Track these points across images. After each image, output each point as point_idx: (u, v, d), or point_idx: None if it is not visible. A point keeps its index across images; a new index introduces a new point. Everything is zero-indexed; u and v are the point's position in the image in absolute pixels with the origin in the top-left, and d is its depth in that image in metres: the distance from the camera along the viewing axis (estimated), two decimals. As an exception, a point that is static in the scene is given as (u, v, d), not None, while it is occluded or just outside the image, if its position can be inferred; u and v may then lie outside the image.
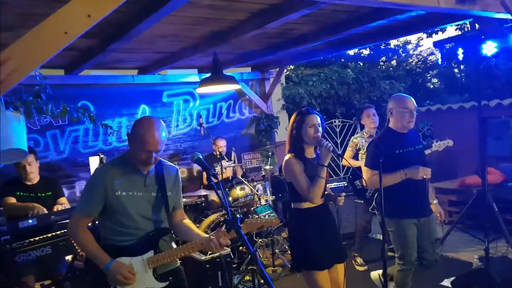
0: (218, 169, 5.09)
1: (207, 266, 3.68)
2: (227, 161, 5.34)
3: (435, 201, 3.20)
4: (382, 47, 12.44)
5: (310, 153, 2.61)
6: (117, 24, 3.05)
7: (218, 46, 3.93)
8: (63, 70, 4.98)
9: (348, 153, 4.55)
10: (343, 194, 2.64)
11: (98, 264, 1.96)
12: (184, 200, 4.98)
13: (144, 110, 5.54)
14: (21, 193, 3.36)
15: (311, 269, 2.53)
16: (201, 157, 2.08)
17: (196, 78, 5.80)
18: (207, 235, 2.08)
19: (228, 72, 6.10)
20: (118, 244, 2.02)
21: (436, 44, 4.18)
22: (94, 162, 3.37)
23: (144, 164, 2.04)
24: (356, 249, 4.52)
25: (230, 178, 5.10)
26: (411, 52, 13.66)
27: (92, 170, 3.26)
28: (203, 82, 3.96)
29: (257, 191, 5.11)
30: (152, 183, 2.10)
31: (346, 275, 2.64)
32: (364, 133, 4.49)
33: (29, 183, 3.42)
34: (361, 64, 9.58)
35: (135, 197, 2.04)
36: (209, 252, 3.81)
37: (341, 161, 7.25)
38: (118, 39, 3.19)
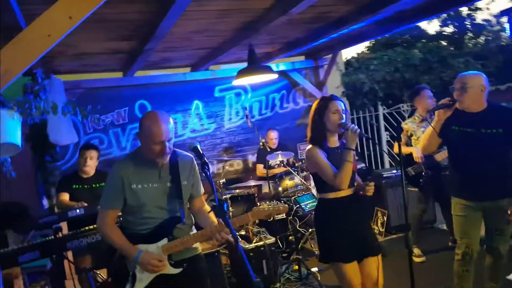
0: (272, 162, 5.12)
1: (251, 254, 3.73)
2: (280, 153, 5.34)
3: None
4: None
5: (333, 142, 2.50)
6: (150, 23, 3.19)
7: (254, 37, 3.91)
8: (121, 72, 5.35)
9: (402, 139, 4.25)
10: (372, 183, 2.49)
11: (128, 256, 2.08)
12: (237, 191, 5.21)
13: (197, 105, 5.74)
14: (77, 186, 3.71)
15: (337, 261, 2.43)
16: (197, 145, 2.12)
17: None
18: (217, 224, 2.11)
19: (277, 62, 6.09)
20: (137, 232, 2.13)
21: (505, 12, 3.67)
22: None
23: (160, 156, 2.08)
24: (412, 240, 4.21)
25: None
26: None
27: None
28: (239, 74, 3.99)
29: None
30: (166, 174, 2.17)
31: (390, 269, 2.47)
32: (416, 117, 4.14)
33: (85, 176, 3.77)
34: (433, 44, 8.79)
35: (151, 189, 2.12)
36: (254, 240, 3.86)
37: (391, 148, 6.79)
38: (150, 39, 3.34)
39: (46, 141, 4.43)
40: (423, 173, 4.01)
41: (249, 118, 5.01)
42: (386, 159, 7.78)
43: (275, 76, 4.31)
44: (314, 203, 4.16)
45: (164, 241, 2.10)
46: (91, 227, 3.05)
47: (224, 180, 5.10)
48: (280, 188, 4.85)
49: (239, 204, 4.86)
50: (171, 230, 2.13)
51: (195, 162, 2.31)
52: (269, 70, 4.01)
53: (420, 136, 4.02)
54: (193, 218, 2.31)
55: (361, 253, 2.44)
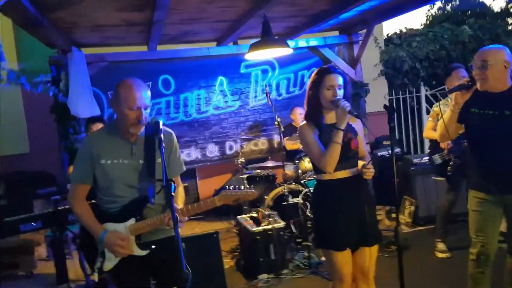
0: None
1: (258, 238, 3.61)
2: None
3: None
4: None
5: (331, 118, 2.24)
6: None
7: (272, 9, 3.67)
8: (146, 46, 5.29)
9: (429, 124, 3.90)
10: (371, 166, 2.22)
11: (93, 235, 2.00)
12: (257, 171, 5.06)
13: (221, 81, 5.59)
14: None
15: (328, 248, 2.24)
16: (159, 121, 1.99)
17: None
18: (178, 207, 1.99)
19: (307, 37, 5.76)
20: (106, 210, 2.05)
21: None
22: None
23: (135, 125, 1.98)
24: (438, 234, 3.87)
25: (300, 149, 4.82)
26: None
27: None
28: (252, 47, 3.76)
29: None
30: (140, 150, 2.06)
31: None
32: (448, 99, 3.72)
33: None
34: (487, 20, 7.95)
35: (120, 165, 2.02)
36: (262, 224, 3.72)
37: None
38: (155, 8, 3.20)
39: (68, 113, 4.50)
40: (451, 162, 3.63)
41: (269, 96, 4.77)
42: (427, 144, 7.27)
43: (290, 51, 4.05)
44: None
45: (132, 221, 2.00)
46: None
47: (242, 159, 4.97)
48: (299, 170, 4.63)
49: (257, 185, 4.72)
50: (141, 210, 2.02)
51: (175, 138, 2.18)
52: (284, 44, 3.75)
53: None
54: None
55: (356, 241, 2.24)
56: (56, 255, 3.23)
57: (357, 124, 2.31)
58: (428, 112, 7.15)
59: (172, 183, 1.84)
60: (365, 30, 5.58)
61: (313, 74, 2.28)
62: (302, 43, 5.65)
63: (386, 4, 4.40)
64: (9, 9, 2.77)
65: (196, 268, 2.92)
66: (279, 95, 5.87)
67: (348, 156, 2.20)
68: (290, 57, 5.84)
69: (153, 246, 2.03)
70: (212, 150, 5.67)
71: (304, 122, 2.28)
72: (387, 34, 7.26)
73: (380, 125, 5.09)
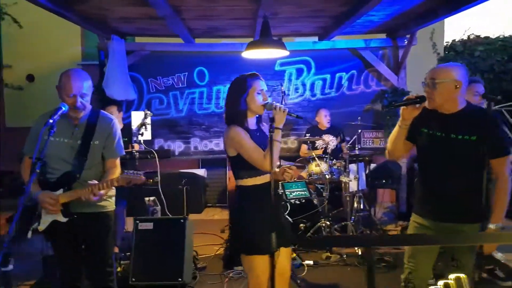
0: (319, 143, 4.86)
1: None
2: (329, 136, 5.00)
3: (493, 226, 2.07)
4: None
5: (251, 124, 2.27)
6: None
7: (279, 9, 3.66)
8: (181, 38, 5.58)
9: None
10: (294, 166, 2.27)
11: (33, 195, 2.25)
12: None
13: (254, 77, 5.67)
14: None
15: (251, 253, 2.24)
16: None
17: (311, 46, 5.53)
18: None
19: (347, 39, 5.55)
20: (46, 179, 2.32)
21: None
22: (137, 117, 3.78)
23: (73, 110, 2.22)
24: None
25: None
26: None
27: (134, 125, 3.70)
28: (249, 46, 3.79)
29: (347, 170, 4.54)
30: (80, 132, 2.30)
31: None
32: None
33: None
34: None
35: (61, 143, 2.28)
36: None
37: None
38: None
39: (104, 95, 5.00)
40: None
41: (285, 96, 4.72)
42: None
43: (286, 53, 3.99)
44: (303, 193, 3.82)
45: (61, 191, 2.24)
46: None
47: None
48: (306, 172, 4.57)
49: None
50: (70, 183, 2.25)
51: (115, 124, 2.37)
52: (281, 45, 3.72)
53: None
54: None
55: (277, 243, 2.20)
56: None
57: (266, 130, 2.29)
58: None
59: (39, 161, 2.03)
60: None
61: (234, 81, 2.29)
62: (338, 44, 5.50)
63: (420, 6, 4.09)
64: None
65: (154, 251, 3.16)
66: (313, 95, 5.78)
67: None
68: (329, 57, 5.72)
69: (75, 216, 2.25)
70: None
71: (233, 125, 2.24)
72: (453, 40, 6.63)
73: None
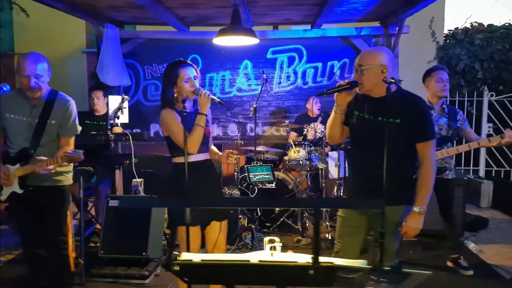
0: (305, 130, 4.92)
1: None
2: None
3: (417, 208, 2.10)
4: None
5: (188, 107, 2.40)
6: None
7: None
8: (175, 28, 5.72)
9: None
10: (236, 151, 2.43)
11: None
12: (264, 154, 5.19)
13: (246, 65, 5.78)
14: (88, 121, 4.34)
15: (181, 224, 2.40)
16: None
17: (302, 35, 5.56)
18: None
19: (341, 27, 5.54)
20: (7, 155, 2.54)
21: None
22: (114, 101, 3.94)
23: (28, 90, 2.42)
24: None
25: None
26: None
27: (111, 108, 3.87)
28: (219, 33, 3.88)
29: (323, 157, 4.59)
30: (38, 111, 2.50)
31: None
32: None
33: (97, 114, 4.37)
34: None
35: (20, 121, 2.49)
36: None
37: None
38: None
39: (99, 80, 5.23)
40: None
41: (268, 84, 4.79)
42: (482, 155, 6.39)
43: (256, 40, 4.05)
44: (266, 176, 3.92)
45: (18, 165, 2.46)
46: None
47: (242, 142, 5.13)
48: (286, 158, 4.67)
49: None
50: (27, 158, 2.46)
51: (71, 105, 2.56)
52: (250, 33, 3.80)
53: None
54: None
55: (207, 218, 2.40)
56: None
57: (208, 113, 2.40)
58: (489, 120, 6.27)
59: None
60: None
61: (167, 68, 2.39)
62: (331, 32, 5.50)
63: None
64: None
65: (122, 226, 3.36)
66: (305, 83, 5.82)
67: (202, 142, 2.33)
68: (321, 45, 5.73)
69: (30, 188, 2.47)
70: (234, 130, 5.94)
71: (166, 108, 2.37)
72: (455, 28, 6.47)
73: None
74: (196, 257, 1.20)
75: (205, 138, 2.35)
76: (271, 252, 1.31)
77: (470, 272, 3.30)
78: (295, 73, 5.79)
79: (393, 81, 2.00)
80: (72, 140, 2.62)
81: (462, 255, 3.48)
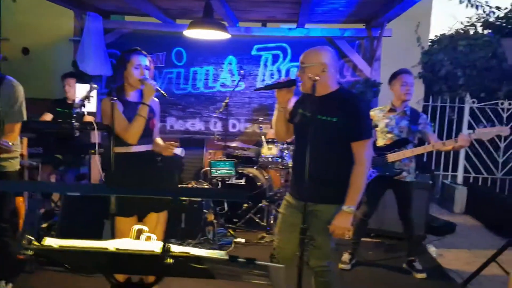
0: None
1: (172, 204, 3.89)
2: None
3: (346, 207, 2.14)
4: None
5: (133, 97, 2.44)
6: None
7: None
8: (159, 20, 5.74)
9: None
10: (176, 143, 2.48)
11: None
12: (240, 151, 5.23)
13: (230, 60, 5.81)
14: (60, 109, 4.36)
15: (117, 215, 2.42)
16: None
17: (287, 33, 5.59)
18: None
19: (324, 27, 5.56)
20: None
21: None
22: (82, 89, 3.95)
23: None
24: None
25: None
26: None
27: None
28: (190, 25, 3.90)
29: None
30: None
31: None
32: (387, 105, 3.42)
33: (69, 102, 4.40)
34: None
35: None
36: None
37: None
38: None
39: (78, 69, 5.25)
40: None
41: (244, 79, 4.84)
42: (461, 161, 6.44)
43: (227, 36, 4.07)
44: (228, 172, 3.97)
45: None
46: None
47: (218, 137, 5.18)
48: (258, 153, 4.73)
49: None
50: None
51: (17, 91, 2.59)
52: (222, 28, 3.83)
53: (382, 128, 3.36)
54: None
55: (144, 209, 2.42)
56: None
57: (156, 105, 2.44)
58: (470, 127, 6.31)
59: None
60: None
61: (120, 55, 2.44)
62: (315, 32, 5.52)
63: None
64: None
65: (80, 214, 3.40)
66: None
67: (145, 134, 2.36)
68: (305, 45, 5.65)
69: None
70: (216, 125, 5.98)
71: (108, 97, 2.37)
72: (442, 34, 6.50)
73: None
74: (55, 242, 1.23)
75: (148, 130, 2.39)
76: (136, 241, 1.36)
77: (423, 275, 3.36)
78: (279, 71, 5.81)
79: (317, 78, 2.05)
80: (17, 127, 2.64)
81: (420, 258, 3.54)
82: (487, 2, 5.88)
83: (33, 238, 1.23)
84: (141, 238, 1.48)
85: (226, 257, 1.18)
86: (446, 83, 6.07)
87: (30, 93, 5.46)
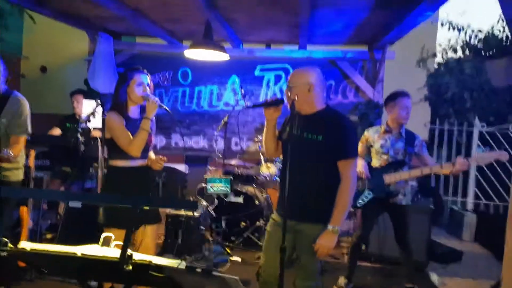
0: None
1: (169, 220, 3.93)
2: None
3: (331, 227, 2.13)
4: None
5: (134, 113, 2.53)
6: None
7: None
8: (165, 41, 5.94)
9: (358, 148, 3.57)
10: (164, 157, 2.56)
11: None
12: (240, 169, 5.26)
13: (234, 80, 5.92)
14: (69, 124, 4.54)
15: (111, 226, 2.49)
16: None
17: (289, 54, 5.68)
18: None
19: (327, 49, 5.62)
20: None
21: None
22: (88, 105, 4.09)
23: None
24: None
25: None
26: None
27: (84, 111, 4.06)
28: (191, 46, 4.03)
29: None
30: None
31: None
32: (382, 126, 3.39)
33: (78, 117, 4.57)
34: None
35: None
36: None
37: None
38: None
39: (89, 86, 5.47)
40: (365, 193, 3.31)
41: (244, 98, 4.89)
42: (471, 187, 6.24)
43: (226, 56, 4.16)
44: (223, 189, 3.97)
45: None
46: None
47: (220, 155, 5.22)
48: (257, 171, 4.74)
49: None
50: None
51: (22, 105, 2.72)
52: (221, 49, 3.93)
53: (378, 149, 3.33)
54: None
55: (138, 221, 2.43)
56: None
57: (153, 124, 2.53)
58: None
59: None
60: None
61: (123, 72, 2.55)
62: (317, 54, 5.58)
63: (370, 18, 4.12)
64: None
65: (81, 227, 3.47)
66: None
67: (143, 149, 2.45)
68: (308, 66, 5.78)
69: None
70: (219, 143, 6.04)
71: (112, 112, 2.50)
72: (448, 58, 6.45)
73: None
74: (29, 246, 1.27)
75: (146, 146, 2.46)
76: (104, 248, 1.37)
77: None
78: (281, 91, 5.87)
79: (295, 98, 2.09)
80: (22, 139, 2.77)
81: (421, 285, 3.42)
82: (469, 25, 5.86)
83: (7, 240, 1.27)
84: (111, 246, 1.51)
85: (183, 267, 1.19)
86: (452, 106, 5.97)
87: (46, 108, 5.71)
